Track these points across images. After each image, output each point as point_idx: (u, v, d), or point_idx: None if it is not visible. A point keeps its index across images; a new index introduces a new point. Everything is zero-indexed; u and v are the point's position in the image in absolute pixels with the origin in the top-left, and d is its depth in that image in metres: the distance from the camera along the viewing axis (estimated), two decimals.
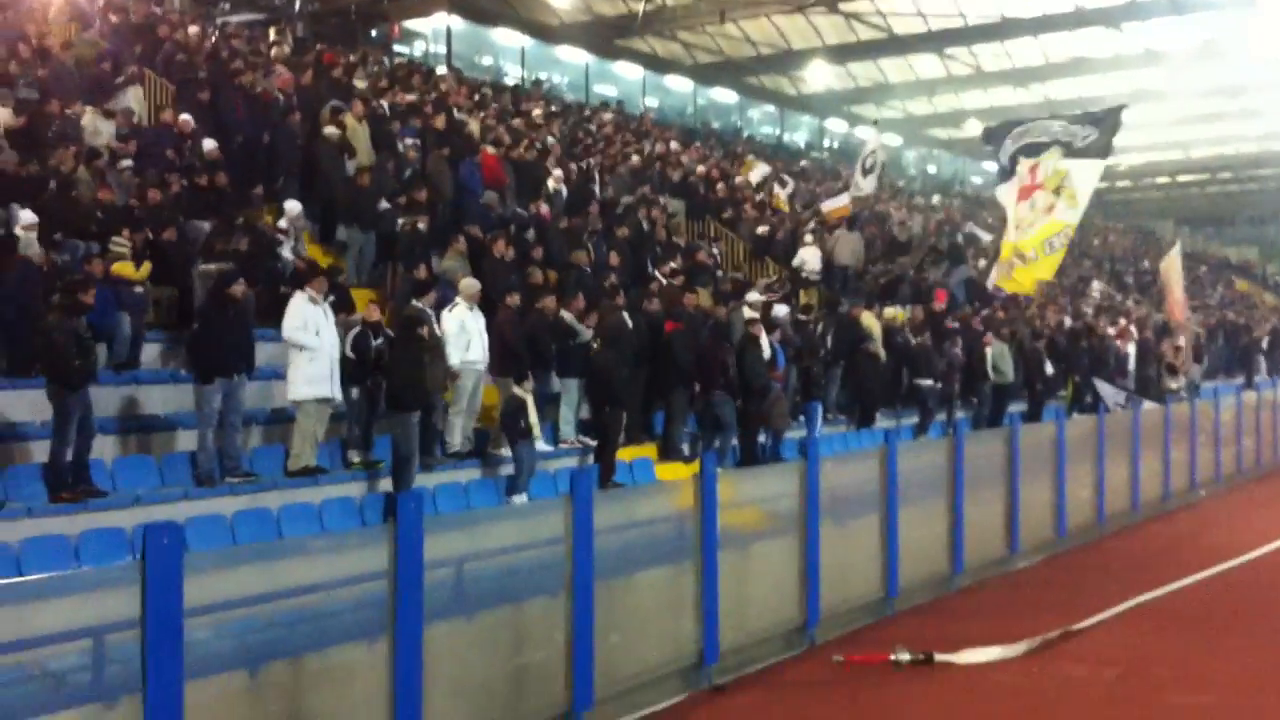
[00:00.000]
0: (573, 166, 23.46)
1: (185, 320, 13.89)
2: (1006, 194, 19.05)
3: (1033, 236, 18.33)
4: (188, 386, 12.98)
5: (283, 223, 16.02)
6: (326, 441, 12.78)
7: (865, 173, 26.67)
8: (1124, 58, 41.65)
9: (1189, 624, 11.36)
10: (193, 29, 22.55)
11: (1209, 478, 19.90)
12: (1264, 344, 39.51)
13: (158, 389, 13.00)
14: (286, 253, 15.60)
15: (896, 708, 8.75)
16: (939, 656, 9.48)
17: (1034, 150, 18.97)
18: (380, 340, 13.19)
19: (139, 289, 12.96)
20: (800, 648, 10.06)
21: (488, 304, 14.58)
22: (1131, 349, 27.90)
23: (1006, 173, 18.97)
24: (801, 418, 18.85)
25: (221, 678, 6.05)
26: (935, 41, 40.69)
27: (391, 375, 12.69)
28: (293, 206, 16.06)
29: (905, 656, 9.42)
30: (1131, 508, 16.93)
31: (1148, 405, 21.71)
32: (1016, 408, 23.82)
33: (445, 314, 13.86)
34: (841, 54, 42.00)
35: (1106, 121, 18.82)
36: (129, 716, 5.12)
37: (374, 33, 34.78)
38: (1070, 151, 18.19)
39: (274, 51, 23.59)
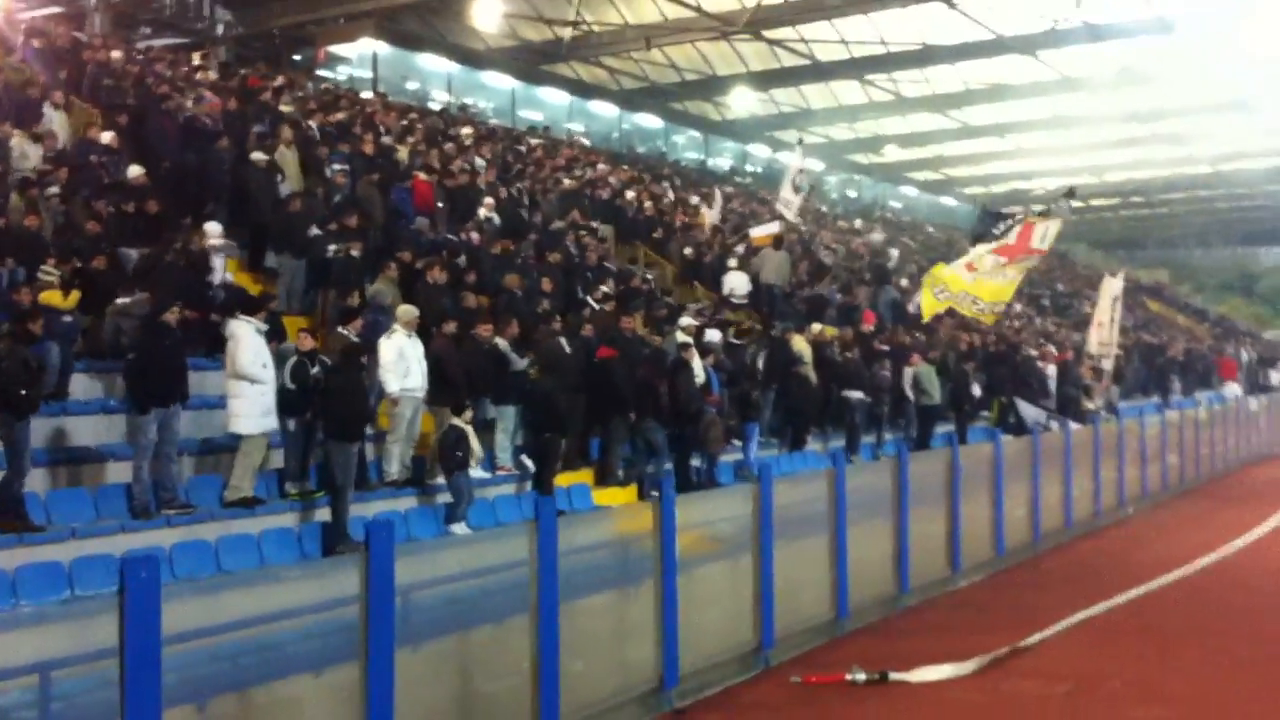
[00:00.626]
0: (504, 191, 23.45)
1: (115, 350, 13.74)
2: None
3: (989, 288, 18.68)
4: (118, 417, 12.85)
5: (216, 243, 15.79)
6: (262, 472, 12.64)
7: (795, 190, 26.98)
8: (1042, 84, 42.44)
9: (1136, 638, 11.58)
10: (115, 53, 22.29)
11: (1136, 495, 20.34)
12: (1178, 364, 40.56)
13: (87, 420, 12.79)
14: (216, 278, 15.46)
15: None
16: (893, 675, 9.64)
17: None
18: (317, 369, 13.09)
19: (68, 318, 12.76)
20: (756, 669, 10.14)
21: (423, 330, 14.52)
22: (1053, 370, 28.37)
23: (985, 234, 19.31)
24: (735, 441, 18.94)
25: (190, 707, 6.02)
26: (857, 68, 41.26)
27: (332, 405, 12.56)
28: (213, 229, 15.85)
29: (861, 676, 9.58)
30: (1065, 525, 17.25)
31: (1074, 425, 22.09)
32: (943, 429, 24.22)
33: (383, 341, 13.78)
34: (765, 80, 42.47)
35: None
36: None
37: (298, 57, 34.57)
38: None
39: (199, 76, 23.40)
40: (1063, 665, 10.38)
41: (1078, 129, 50.01)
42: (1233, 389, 39.79)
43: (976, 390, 25.58)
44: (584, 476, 16.15)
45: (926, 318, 22.72)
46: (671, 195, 31.83)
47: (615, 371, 16.00)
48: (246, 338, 12.27)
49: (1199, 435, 24.40)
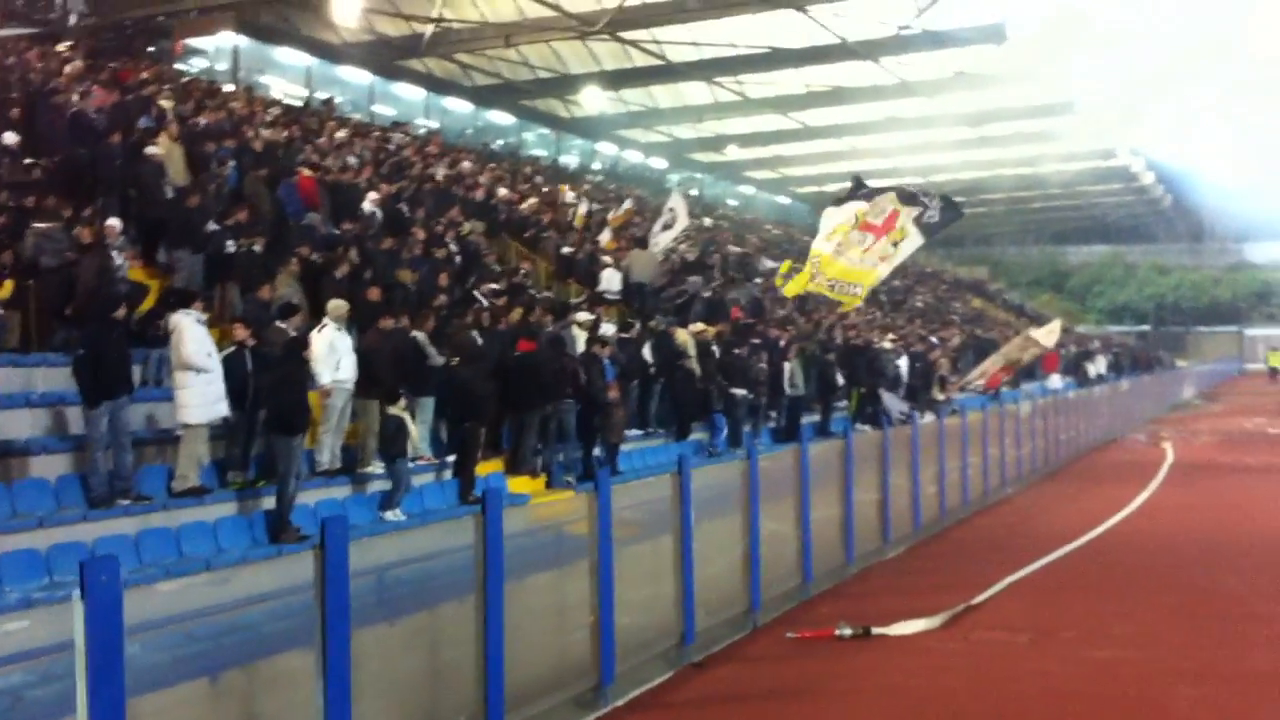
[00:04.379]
0: (385, 188, 23.64)
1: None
2: (840, 212, 20.03)
3: (845, 269, 19.45)
4: (41, 410, 12.90)
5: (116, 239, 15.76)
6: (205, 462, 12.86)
7: (665, 228, 27.86)
8: (880, 88, 44.19)
9: (1071, 594, 12.79)
10: None
11: (1014, 476, 21.85)
12: None
13: (20, 413, 12.79)
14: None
15: (857, 673, 9.75)
16: (875, 630, 10.65)
17: (903, 198, 20.07)
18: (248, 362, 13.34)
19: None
20: (748, 629, 11.01)
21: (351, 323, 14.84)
22: (903, 363, 29.80)
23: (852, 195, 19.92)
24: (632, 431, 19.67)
25: (165, 691, 6.36)
26: (706, 69, 42.37)
27: (275, 398, 12.85)
28: (114, 224, 15.84)
29: (848, 631, 10.56)
30: (964, 502, 18.59)
31: (928, 416, 23.41)
32: (807, 419, 25.37)
33: (315, 334, 14.06)
34: (616, 79, 43.24)
35: (947, 214, 20.32)
36: None
37: (151, 49, 33.91)
38: (917, 220, 19.50)
39: (67, 69, 22.97)
40: (1017, 619, 11.47)
41: (909, 131, 52.16)
42: (1055, 381, 42.15)
43: (840, 381, 26.86)
44: (496, 465, 16.65)
45: (790, 295, 23.48)
46: (537, 193, 32.28)
47: (537, 363, 16.53)
48: (190, 329, 12.47)
49: (1058, 422, 26.10)
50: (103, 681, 4.88)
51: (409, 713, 7.35)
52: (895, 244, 19.21)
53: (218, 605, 7.05)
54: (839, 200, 20.20)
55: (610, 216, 30.77)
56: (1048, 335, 31.32)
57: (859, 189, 19.15)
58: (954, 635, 10.74)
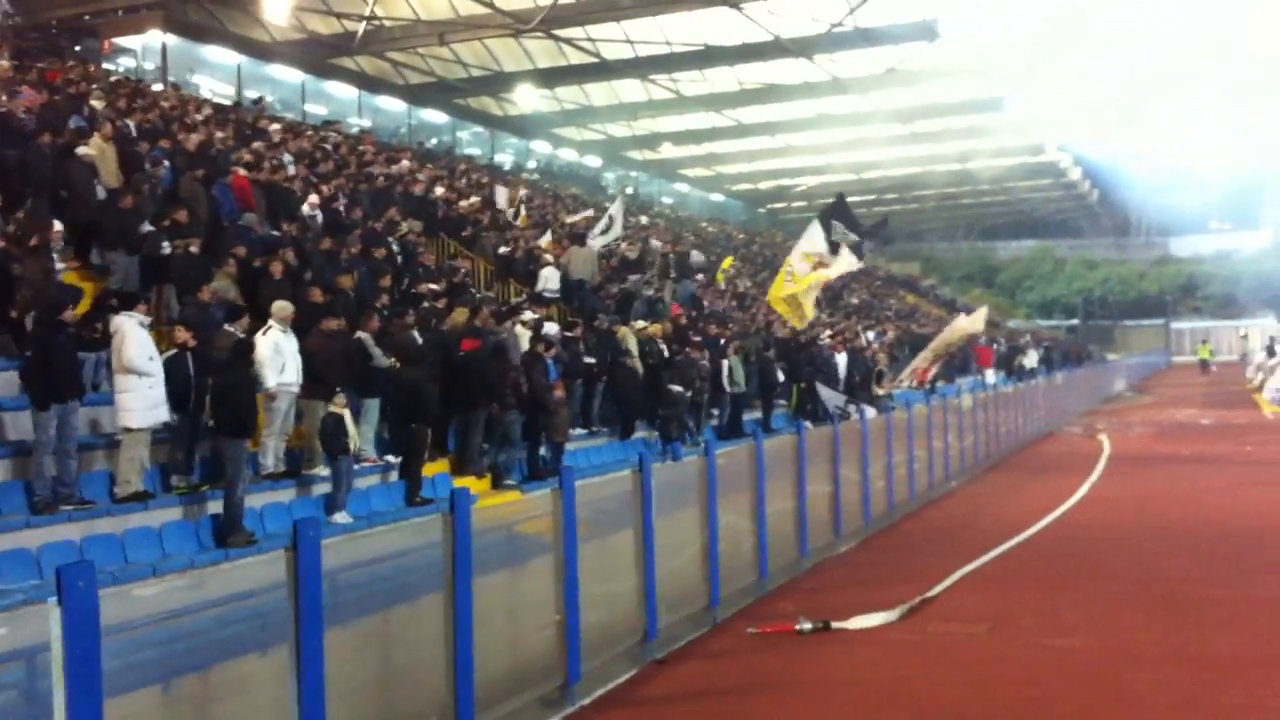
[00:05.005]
0: (323, 188, 23.37)
1: None
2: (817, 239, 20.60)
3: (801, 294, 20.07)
4: None
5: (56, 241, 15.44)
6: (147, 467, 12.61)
7: (602, 232, 27.90)
8: (812, 84, 44.41)
9: (1023, 584, 12.82)
10: None
11: (957, 469, 21.98)
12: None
13: None
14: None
15: (819, 667, 9.74)
16: (835, 624, 10.65)
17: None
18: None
19: None
20: (708, 625, 10.98)
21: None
22: (841, 359, 29.95)
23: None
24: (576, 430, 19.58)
25: (137, 694, 6.25)
26: (641, 67, 42.38)
27: (224, 401, 12.63)
28: (56, 227, 15.52)
29: (808, 625, 10.54)
30: (910, 497, 18.62)
31: (870, 410, 23.53)
32: (749, 415, 25.46)
33: (260, 337, 13.84)
34: (550, 77, 43.19)
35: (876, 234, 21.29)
36: None
37: (78, 48, 33.31)
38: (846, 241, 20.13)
39: None
40: (972, 609, 11.50)
41: (842, 128, 52.56)
42: (990, 375, 42.63)
43: (780, 378, 26.97)
44: (441, 466, 16.51)
45: (801, 324, 23.94)
46: (475, 191, 32.12)
47: (480, 363, 16.39)
48: (132, 332, 12.25)
49: (998, 416, 26.33)
50: (81, 686, 4.79)
51: (380, 713, 7.23)
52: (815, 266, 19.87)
53: (190, 606, 6.93)
54: (824, 218, 20.81)
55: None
56: (974, 322, 31.68)
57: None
58: (912, 627, 10.78)
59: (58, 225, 15.77)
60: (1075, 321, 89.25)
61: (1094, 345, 75.86)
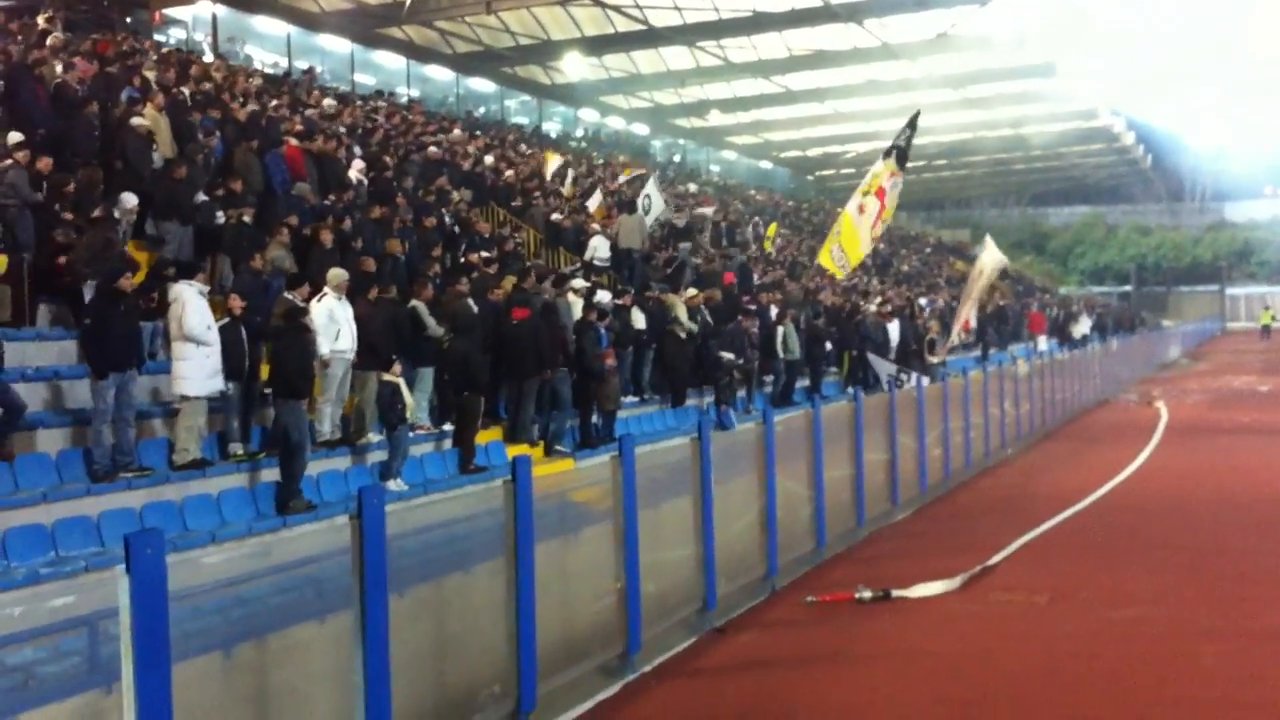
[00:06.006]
0: (370, 158, 23.40)
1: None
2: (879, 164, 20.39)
3: (850, 237, 19.74)
4: (39, 384, 12.68)
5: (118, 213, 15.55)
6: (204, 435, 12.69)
7: (645, 213, 27.80)
8: (862, 50, 43.94)
9: (1082, 555, 12.68)
10: None
11: (1013, 436, 21.77)
12: (992, 319, 42.80)
13: (16, 388, 12.54)
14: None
15: (878, 637, 9.69)
16: (895, 592, 10.58)
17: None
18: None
19: None
20: (766, 593, 10.95)
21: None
22: (893, 327, 29.71)
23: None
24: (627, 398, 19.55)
25: (197, 660, 6.26)
26: (689, 34, 42.02)
27: (280, 364, 12.71)
28: (128, 199, 15.62)
29: (868, 594, 10.50)
30: (965, 465, 18.49)
31: (923, 379, 23.32)
32: (799, 383, 25.35)
33: (314, 304, 13.88)
34: (598, 45, 42.93)
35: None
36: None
37: (129, 19, 33.48)
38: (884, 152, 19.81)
39: (49, 40, 22.61)
40: (1033, 580, 11.39)
41: (891, 94, 51.93)
42: (1043, 342, 42.23)
43: (829, 346, 26.83)
44: (494, 434, 16.52)
45: (841, 276, 23.69)
46: (524, 160, 32.06)
47: (531, 331, 16.36)
48: (192, 301, 12.32)
49: (1053, 383, 26.04)
50: (149, 653, 4.79)
51: (441, 680, 7.23)
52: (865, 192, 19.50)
53: (255, 573, 6.97)
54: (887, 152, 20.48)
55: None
56: (992, 254, 31.11)
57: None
58: (973, 597, 10.69)
59: (133, 200, 15.90)
60: (1128, 288, 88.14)
61: (1147, 312, 74.90)
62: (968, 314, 28.42)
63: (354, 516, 5.94)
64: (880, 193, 20.00)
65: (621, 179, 33.30)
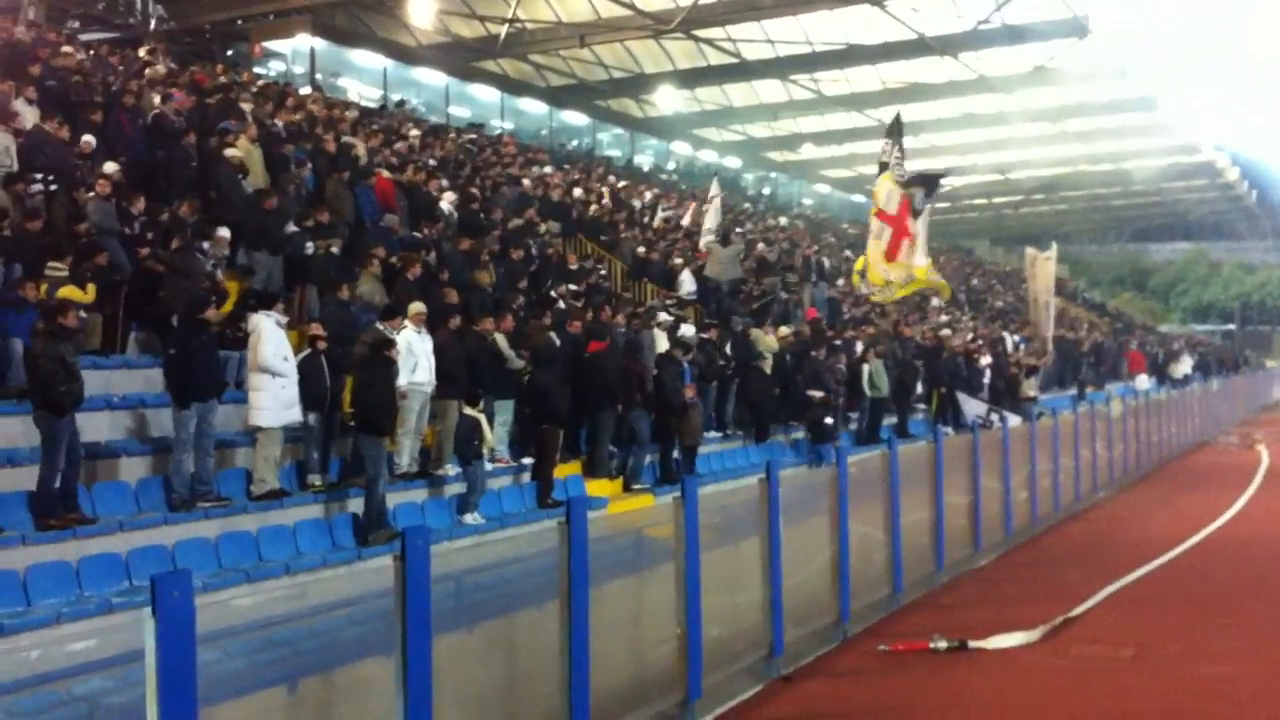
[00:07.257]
0: (460, 190, 23.58)
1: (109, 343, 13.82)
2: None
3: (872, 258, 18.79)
4: (122, 413, 12.88)
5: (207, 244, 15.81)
6: (283, 465, 12.79)
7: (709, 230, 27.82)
8: (958, 84, 43.49)
9: (1171, 607, 12.29)
10: (66, 48, 21.97)
11: (1105, 480, 21.24)
12: (1089, 357, 42.02)
13: (100, 415, 12.77)
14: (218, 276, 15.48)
15: (953, 689, 9.41)
16: (972, 643, 10.28)
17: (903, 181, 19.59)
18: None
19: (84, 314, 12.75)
20: (837, 640, 10.74)
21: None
22: (985, 362, 29.21)
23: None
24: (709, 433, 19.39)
25: (241, 700, 6.19)
26: (781, 67, 41.92)
27: (363, 397, 12.79)
28: (225, 233, 15.91)
29: (943, 644, 10.22)
30: (1054, 509, 18.07)
31: (1013, 418, 22.84)
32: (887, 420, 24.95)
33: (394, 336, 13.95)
34: (690, 78, 43.00)
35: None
36: None
37: (230, 52, 34.27)
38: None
39: (149, 72, 23.14)
40: (1117, 632, 11.03)
41: (988, 128, 51.34)
42: (1143, 381, 41.27)
43: (919, 386, 26.42)
44: (574, 468, 16.47)
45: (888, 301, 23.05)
46: (609, 194, 32.14)
47: (606, 364, 16.32)
48: (268, 331, 12.45)
49: (1149, 424, 25.42)
50: (174, 696, 4.70)
51: None
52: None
53: (295, 613, 6.91)
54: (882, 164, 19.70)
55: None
56: (1041, 265, 30.54)
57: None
58: (1053, 650, 10.35)
59: (224, 232, 16.18)
60: (1231, 327, 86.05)
61: (1251, 351, 73.00)
62: (1042, 331, 28.12)
63: (398, 557, 5.86)
64: (881, 214, 19.03)
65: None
